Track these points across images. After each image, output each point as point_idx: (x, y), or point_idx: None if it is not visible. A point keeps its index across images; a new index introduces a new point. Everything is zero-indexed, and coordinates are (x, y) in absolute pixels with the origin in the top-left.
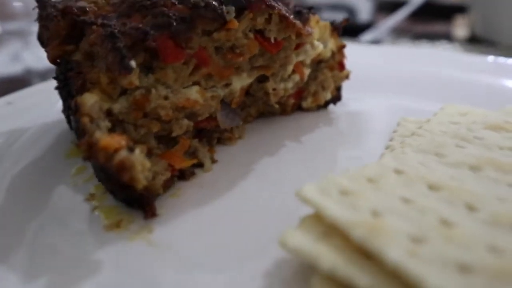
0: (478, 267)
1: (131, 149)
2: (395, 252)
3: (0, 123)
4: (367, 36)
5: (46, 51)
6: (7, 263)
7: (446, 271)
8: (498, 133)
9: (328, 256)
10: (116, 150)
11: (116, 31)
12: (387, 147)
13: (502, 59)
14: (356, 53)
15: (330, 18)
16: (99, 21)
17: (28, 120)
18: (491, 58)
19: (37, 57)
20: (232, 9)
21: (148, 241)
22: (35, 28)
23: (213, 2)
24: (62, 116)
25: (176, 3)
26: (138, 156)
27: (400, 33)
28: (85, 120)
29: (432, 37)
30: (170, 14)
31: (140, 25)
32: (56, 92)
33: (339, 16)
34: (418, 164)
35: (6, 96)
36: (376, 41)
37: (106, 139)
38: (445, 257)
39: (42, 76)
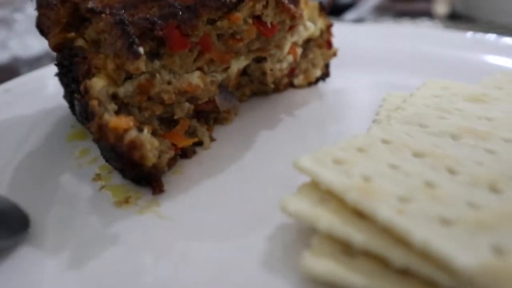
0: (458, 220)
1: (140, 129)
2: (385, 211)
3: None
4: (351, 15)
5: (47, 38)
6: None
7: (430, 225)
8: (476, 104)
9: (325, 218)
10: (125, 131)
11: (125, 18)
12: (374, 121)
13: (479, 35)
14: (341, 32)
15: None
16: (108, 10)
17: (26, 106)
18: (469, 34)
19: (23, 45)
20: None
21: (158, 214)
22: (19, 16)
23: None
24: (60, 102)
25: None
26: (147, 136)
27: (382, 11)
28: (94, 103)
29: (414, 15)
30: (176, 4)
31: (148, 16)
32: (51, 80)
33: None
34: (404, 134)
35: (3, 84)
36: (359, 20)
37: (116, 120)
38: (429, 213)
39: (30, 64)
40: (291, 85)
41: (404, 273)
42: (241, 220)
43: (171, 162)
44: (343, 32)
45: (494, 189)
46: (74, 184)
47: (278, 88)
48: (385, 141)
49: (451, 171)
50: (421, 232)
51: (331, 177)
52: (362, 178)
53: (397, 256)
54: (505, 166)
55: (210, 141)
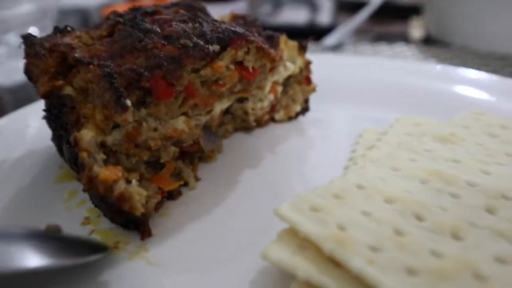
0: (422, 269)
1: (128, 181)
2: (358, 261)
3: None
4: (330, 40)
5: (35, 86)
6: None
7: (398, 275)
8: (444, 145)
9: (304, 266)
10: (114, 182)
11: (112, 71)
12: (350, 159)
13: (453, 68)
14: (320, 64)
15: (293, 12)
16: (95, 61)
17: (13, 147)
18: (442, 66)
19: (5, 72)
20: (217, 47)
21: (147, 260)
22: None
23: (200, 42)
24: (46, 143)
25: (166, 44)
26: (135, 187)
27: (361, 34)
28: (84, 155)
29: (390, 39)
30: (161, 55)
31: (135, 66)
32: (38, 119)
33: (301, 12)
34: (377, 178)
35: None
36: (338, 45)
37: (105, 172)
38: (397, 262)
39: (13, 92)
40: (273, 119)
41: None
42: (225, 263)
43: (158, 206)
44: (322, 64)
45: (456, 236)
46: (64, 228)
47: (260, 124)
48: (359, 187)
49: (418, 218)
50: (389, 283)
51: (308, 226)
52: (337, 227)
53: None
54: (467, 211)
55: (195, 181)
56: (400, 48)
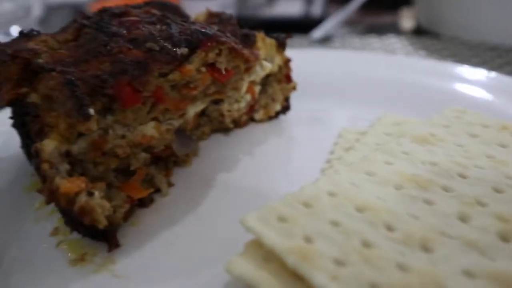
0: (385, 285)
1: (90, 193)
2: (320, 276)
3: None
4: (319, 32)
5: None
6: None
7: None
8: (422, 146)
9: (267, 281)
10: (76, 194)
11: (74, 78)
12: (327, 161)
13: (439, 63)
14: (302, 60)
15: (287, 4)
16: (58, 67)
17: None
18: (429, 61)
19: None
20: (185, 50)
21: (112, 273)
22: None
23: (167, 45)
24: (18, 150)
25: (132, 48)
26: (98, 200)
27: (351, 25)
28: (45, 166)
29: (381, 30)
30: (127, 60)
31: (99, 72)
32: (8, 125)
33: (295, 4)
34: (349, 184)
35: None
36: (327, 38)
37: (66, 185)
38: (361, 278)
39: None
40: (252, 119)
41: None
42: (190, 276)
43: (127, 215)
44: (304, 60)
45: (425, 247)
46: (31, 239)
47: (239, 124)
48: (330, 194)
49: (388, 228)
50: None
51: (273, 238)
52: (303, 239)
53: None
54: (439, 219)
55: (168, 187)
56: (390, 40)
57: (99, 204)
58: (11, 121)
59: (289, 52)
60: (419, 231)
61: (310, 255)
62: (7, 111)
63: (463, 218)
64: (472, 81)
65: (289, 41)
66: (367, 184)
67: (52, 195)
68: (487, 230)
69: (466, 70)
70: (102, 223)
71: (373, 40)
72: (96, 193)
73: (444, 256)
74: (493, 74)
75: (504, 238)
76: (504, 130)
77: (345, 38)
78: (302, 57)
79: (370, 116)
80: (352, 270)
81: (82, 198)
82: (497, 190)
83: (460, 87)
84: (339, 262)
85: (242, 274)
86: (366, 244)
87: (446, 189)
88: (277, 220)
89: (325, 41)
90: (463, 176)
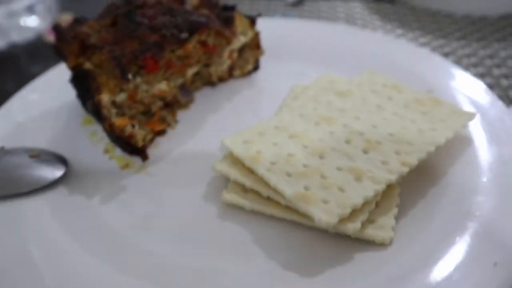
0: (293, 173)
1: (133, 126)
2: (261, 168)
3: (28, 108)
4: None
5: (65, 62)
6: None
7: (281, 175)
8: (340, 98)
9: (234, 173)
10: (125, 126)
11: (118, 54)
12: (280, 107)
13: (383, 36)
14: (271, 28)
15: None
16: (106, 46)
17: (51, 101)
18: (376, 34)
19: (19, 30)
20: (187, 35)
21: (147, 173)
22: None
23: (175, 31)
24: (71, 98)
25: (152, 33)
26: (137, 130)
27: None
28: (105, 110)
29: None
30: (149, 42)
31: (132, 50)
32: (63, 81)
33: None
34: (288, 122)
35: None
36: (299, 1)
37: (119, 121)
38: (282, 170)
39: (28, 51)
40: (231, 76)
41: (271, 200)
42: (197, 179)
43: (152, 140)
44: (273, 28)
45: (321, 155)
46: (91, 156)
47: (222, 80)
48: (275, 127)
49: (304, 146)
50: (276, 180)
51: (239, 151)
52: (255, 152)
53: (266, 191)
54: (334, 142)
55: (175, 123)
56: (353, 4)
57: (138, 132)
58: (63, 78)
59: (260, 22)
60: (321, 147)
61: (258, 159)
62: (59, 70)
63: (348, 141)
64: (402, 50)
65: (266, 4)
66: (299, 122)
67: (110, 128)
68: (357, 147)
69: (399, 41)
70: (140, 143)
71: (338, 4)
72: (136, 126)
73: (329, 161)
74: (424, 50)
75: (364, 151)
76: (395, 88)
77: (315, 2)
78: (273, 26)
79: (316, 75)
80: (279, 166)
81: (129, 129)
82: (373, 126)
83: (387, 54)
84: (273, 163)
85: (220, 170)
86: (290, 154)
87: (345, 125)
88: (242, 142)
89: (298, 4)
90: (357, 118)
